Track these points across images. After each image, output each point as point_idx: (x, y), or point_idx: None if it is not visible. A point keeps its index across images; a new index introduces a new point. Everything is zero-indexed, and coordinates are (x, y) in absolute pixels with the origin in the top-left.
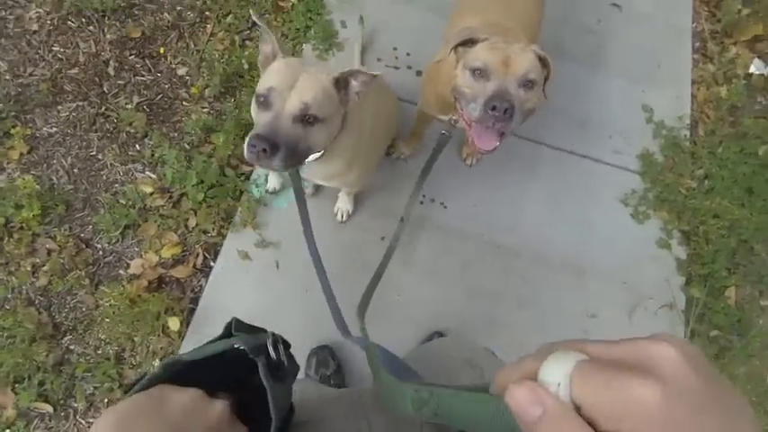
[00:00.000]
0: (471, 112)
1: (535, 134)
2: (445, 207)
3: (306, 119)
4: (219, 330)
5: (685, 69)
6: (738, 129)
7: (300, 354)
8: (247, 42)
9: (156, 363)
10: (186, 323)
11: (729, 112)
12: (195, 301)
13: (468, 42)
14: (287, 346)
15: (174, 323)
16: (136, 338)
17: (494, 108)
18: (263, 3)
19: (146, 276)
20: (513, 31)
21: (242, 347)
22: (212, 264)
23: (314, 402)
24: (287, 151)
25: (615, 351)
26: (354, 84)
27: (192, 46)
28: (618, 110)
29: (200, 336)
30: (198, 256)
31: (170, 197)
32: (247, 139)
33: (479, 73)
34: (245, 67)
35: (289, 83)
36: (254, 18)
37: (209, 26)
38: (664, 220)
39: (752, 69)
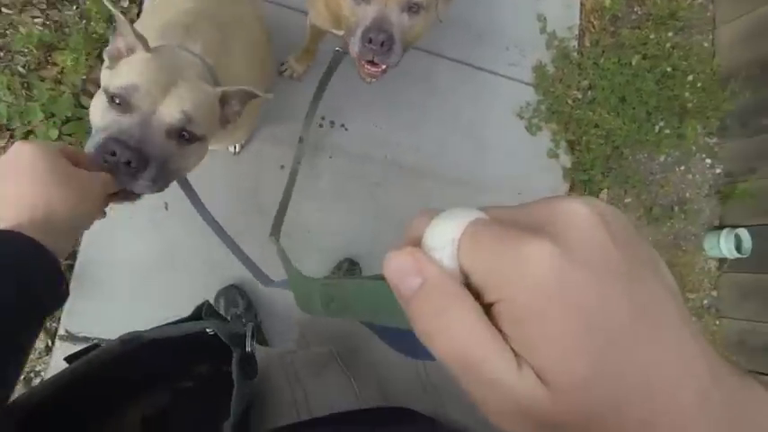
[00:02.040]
0: (352, 46)
1: (432, 45)
2: (346, 129)
3: (182, 134)
4: (106, 288)
5: None
6: (618, 39)
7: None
8: None
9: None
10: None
11: (611, 21)
12: (72, 256)
13: None
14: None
15: None
16: None
17: (370, 41)
18: None
19: None
20: None
21: (213, 332)
22: None
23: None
24: (158, 170)
25: (519, 211)
26: (233, 102)
27: None
28: (514, 19)
29: (85, 296)
30: None
31: (11, 137)
32: (95, 142)
33: None
34: None
35: (162, 84)
36: (107, 4)
37: None
38: (553, 131)
39: None
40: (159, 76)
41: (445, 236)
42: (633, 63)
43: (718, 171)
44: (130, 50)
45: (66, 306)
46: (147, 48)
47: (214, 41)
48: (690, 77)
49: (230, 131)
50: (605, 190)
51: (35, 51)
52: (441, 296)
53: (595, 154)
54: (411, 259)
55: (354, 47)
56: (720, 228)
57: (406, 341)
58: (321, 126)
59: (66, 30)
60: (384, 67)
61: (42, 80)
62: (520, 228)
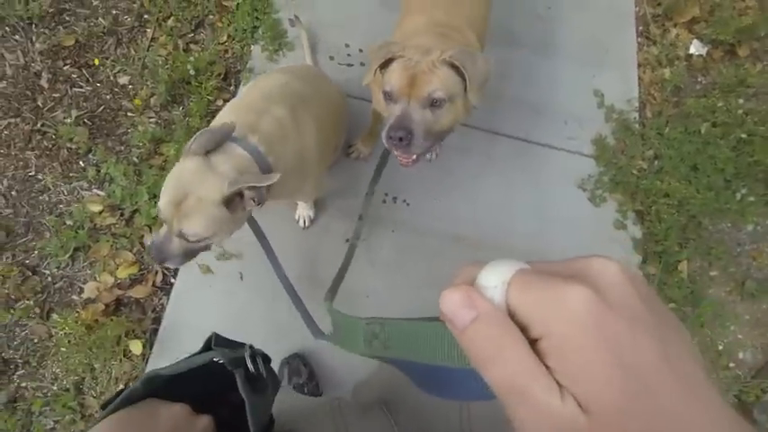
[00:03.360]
0: (384, 142)
1: (490, 124)
2: (408, 204)
3: (191, 240)
4: (185, 349)
5: (631, 53)
6: (682, 108)
7: (272, 365)
8: (192, 46)
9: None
10: (150, 345)
11: (673, 92)
12: (157, 320)
13: (390, 61)
14: (266, 359)
15: (135, 346)
16: (96, 366)
17: (391, 137)
18: (205, 3)
19: (102, 300)
20: (459, 29)
21: (220, 360)
22: (173, 281)
23: (294, 412)
24: (178, 259)
25: (559, 264)
26: (248, 193)
27: (133, 53)
28: (570, 95)
29: (166, 357)
30: (157, 273)
31: (121, 215)
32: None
33: (388, 96)
34: (192, 72)
35: (175, 205)
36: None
37: (149, 31)
38: (619, 201)
39: (691, 50)
40: (175, 195)
41: (497, 278)
42: (702, 131)
43: None
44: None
45: (150, 365)
46: (186, 152)
47: (275, 131)
48: None
49: (294, 191)
50: (684, 261)
51: (147, 144)
52: (493, 327)
53: (668, 224)
54: (466, 295)
55: (385, 143)
56: None
57: (439, 383)
58: (384, 202)
59: (173, 126)
60: (413, 157)
61: (150, 167)
62: (561, 276)
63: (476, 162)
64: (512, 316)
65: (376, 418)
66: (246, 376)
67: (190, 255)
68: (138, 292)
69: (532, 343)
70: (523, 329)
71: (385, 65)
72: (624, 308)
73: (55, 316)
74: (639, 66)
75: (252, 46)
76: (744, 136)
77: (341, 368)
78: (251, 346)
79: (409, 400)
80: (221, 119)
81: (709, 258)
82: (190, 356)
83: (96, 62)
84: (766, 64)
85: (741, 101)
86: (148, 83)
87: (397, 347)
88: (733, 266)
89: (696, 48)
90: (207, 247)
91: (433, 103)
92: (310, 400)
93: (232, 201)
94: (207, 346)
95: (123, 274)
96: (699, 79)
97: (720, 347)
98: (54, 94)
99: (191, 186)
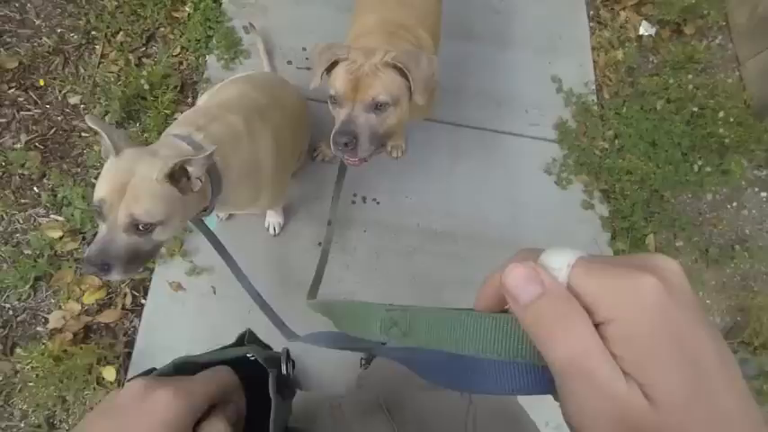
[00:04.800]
0: (330, 145)
1: (455, 117)
2: (378, 203)
3: (140, 228)
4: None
5: (584, 37)
6: (637, 88)
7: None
8: (144, 60)
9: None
10: (124, 369)
11: (628, 73)
12: (130, 344)
13: (335, 64)
14: (293, 364)
15: (109, 373)
16: (68, 398)
17: (336, 142)
18: (154, 15)
19: (69, 328)
20: (410, 27)
21: (252, 357)
22: (143, 301)
23: (294, 410)
24: (124, 264)
25: (618, 258)
26: (191, 169)
27: (82, 71)
28: (529, 83)
29: None
30: (126, 296)
31: (83, 238)
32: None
33: (333, 100)
34: (146, 87)
35: (119, 192)
36: (89, 122)
37: (98, 47)
38: (584, 182)
39: (641, 31)
40: (116, 184)
41: (563, 260)
42: (658, 108)
43: None
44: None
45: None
46: (117, 149)
47: (225, 135)
48: (721, 114)
49: (252, 198)
50: (651, 235)
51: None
52: (561, 305)
53: (633, 200)
54: (533, 270)
55: (331, 147)
56: None
57: (458, 373)
58: (354, 203)
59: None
60: (357, 159)
61: None
62: (626, 265)
63: (443, 156)
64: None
65: (377, 418)
66: (277, 378)
67: (135, 258)
68: (108, 316)
69: (595, 326)
70: (587, 312)
71: (330, 67)
72: (688, 304)
73: (19, 350)
74: (593, 49)
75: (207, 56)
76: (695, 110)
77: (315, 375)
78: (287, 349)
79: (411, 400)
80: (175, 128)
81: (673, 230)
82: (223, 348)
83: (42, 83)
84: (711, 40)
85: (690, 76)
86: (101, 101)
87: (418, 335)
88: (696, 235)
89: (645, 28)
90: (156, 248)
91: (377, 107)
92: (310, 399)
93: (179, 181)
94: (239, 342)
95: (90, 299)
96: (650, 58)
97: None
98: (0, 120)
99: (131, 171)
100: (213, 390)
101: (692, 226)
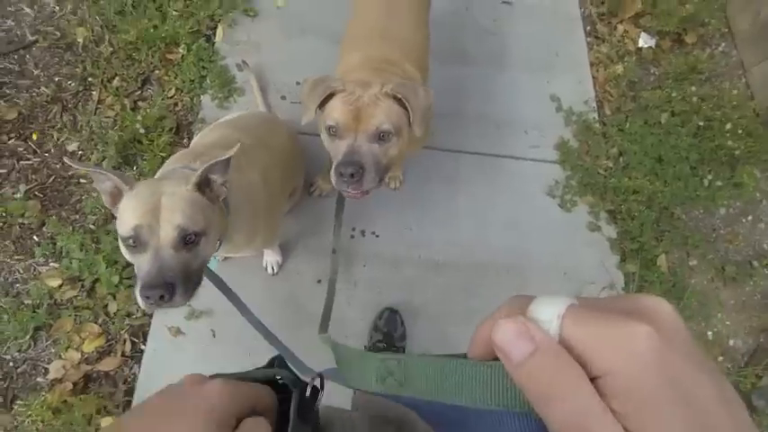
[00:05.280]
0: (332, 179)
1: (453, 143)
2: (377, 236)
3: (186, 240)
4: None
5: (582, 53)
6: (639, 102)
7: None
8: (140, 104)
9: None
10: None
11: (629, 87)
12: (130, 392)
13: (329, 97)
14: (318, 393)
15: (108, 423)
16: None
17: (341, 174)
18: (149, 59)
19: (69, 378)
20: (396, 62)
21: (281, 380)
22: (143, 347)
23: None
24: (183, 284)
25: (608, 301)
26: (214, 177)
27: (80, 118)
28: (528, 104)
29: None
30: (125, 342)
31: (82, 286)
32: (137, 293)
33: (333, 131)
34: (141, 130)
35: (153, 212)
36: (69, 162)
37: (94, 93)
38: (589, 204)
39: (640, 43)
40: (147, 208)
41: (552, 311)
42: (662, 121)
43: None
44: (119, 191)
45: None
46: (128, 183)
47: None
48: (728, 125)
49: (248, 237)
50: (662, 255)
51: (103, 210)
52: (555, 362)
53: (641, 220)
54: (523, 326)
55: (333, 180)
56: None
57: (461, 425)
58: (353, 237)
59: None
60: (361, 191)
61: (108, 233)
62: (616, 311)
63: (443, 184)
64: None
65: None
66: (300, 402)
67: (189, 278)
68: (107, 364)
69: (591, 381)
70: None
71: (324, 101)
72: (684, 348)
73: (19, 402)
74: (592, 65)
75: (201, 96)
76: (702, 123)
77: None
78: (320, 375)
79: (420, 422)
80: (167, 166)
81: (686, 248)
82: (255, 369)
83: (35, 136)
84: (714, 48)
85: (694, 88)
86: (98, 147)
87: (415, 386)
88: (711, 253)
89: (644, 40)
90: (202, 266)
91: (381, 137)
92: (324, 410)
93: (204, 192)
94: (270, 365)
95: (90, 347)
96: (652, 71)
97: (710, 337)
98: (0, 170)
99: (157, 192)
100: (256, 396)
101: (705, 243)
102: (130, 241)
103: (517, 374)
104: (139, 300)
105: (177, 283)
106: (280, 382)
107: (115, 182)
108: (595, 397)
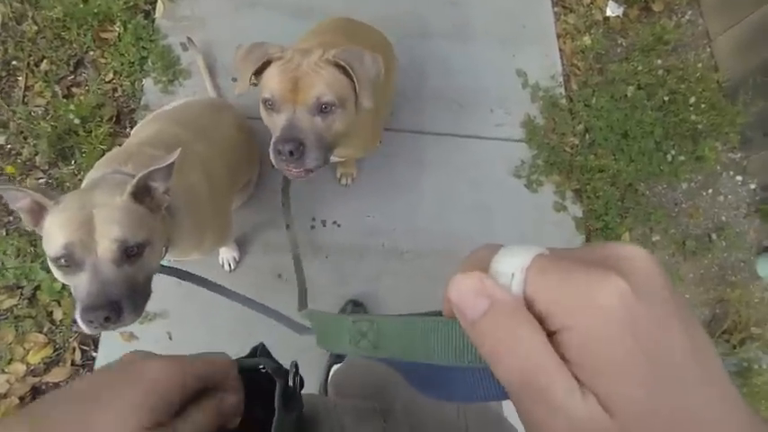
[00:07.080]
0: (270, 157)
1: (415, 123)
2: (339, 226)
3: (128, 253)
4: None
5: (549, 24)
6: (606, 76)
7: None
8: (74, 90)
9: None
10: None
11: (596, 59)
12: None
13: (266, 65)
14: (302, 384)
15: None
16: None
17: (279, 152)
18: (81, 39)
19: (14, 392)
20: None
21: (264, 369)
22: (94, 355)
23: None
24: (130, 300)
25: (580, 251)
26: (155, 184)
27: (6, 107)
28: (492, 80)
29: None
30: (74, 351)
31: (21, 294)
32: (78, 317)
33: (270, 105)
34: (77, 121)
35: (85, 227)
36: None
37: (20, 79)
38: (555, 183)
39: (608, 12)
40: (78, 224)
41: (514, 264)
42: (629, 95)
43: (752, 186)
44: (40, 209)
45: None
46: (51, 198)
47: (150, 160)
48: (692, 99)
49: (195, 241)
50: (626, 232)
51: None
52: (509, 318)
53: (606, 198)
54: (479, 282)
55: (272, 158)
56: None
57: (435, 383)
58: (313, 227)
59: (67, 185)
60: (303, 168)
61: None
62: (586, 263)
63: (405, 167)
64: (529, 306)
65: (370, 420)
66: (283, 391)
67: (134, 293)
68: (56, 375)
69: (550, 335)
70: (541, 320)
71: (261, 70)
72: (656, 300)
73: None
74: (559, 37)
75: (143, 80)
76: (667, 98)
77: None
78: (296, 364)
79: (400, 396)
80: (96, 170)
81: (649, 224)
82: (238, 358)
83: None
84: (681, 16)
85: (660, 60)
86: (29, 141)
87: (388, 347)
88: (673, 228)
89: (612, 9)
90: (148, 280)
91: (323, 109)
92: (309, 400)
93: (143, 201)
94: (252, 355)
95: (35, 358)
96: (619, 42)
97: None
98: None
99: (87, 205)
100: (207, 370)
101: (668, 218)
102: (62, 261)
103: (471, 333)
104: (82, 325)
105: (123, 301)
106: (263, 371)
107: (34, 197)
108: (548, 351)
